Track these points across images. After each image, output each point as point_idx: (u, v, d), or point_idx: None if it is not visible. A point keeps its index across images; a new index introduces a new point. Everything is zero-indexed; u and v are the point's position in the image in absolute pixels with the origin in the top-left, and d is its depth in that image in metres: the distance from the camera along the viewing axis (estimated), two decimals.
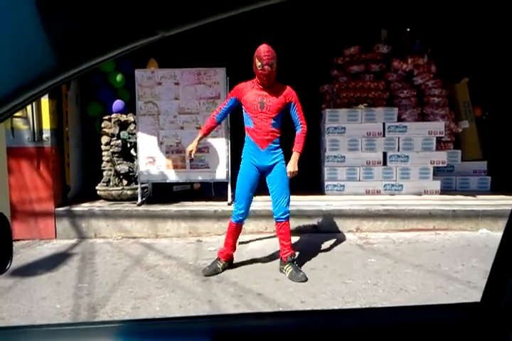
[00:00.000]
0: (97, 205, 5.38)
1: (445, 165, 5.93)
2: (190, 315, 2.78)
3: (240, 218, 3.85)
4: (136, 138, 5.46)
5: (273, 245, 4.61)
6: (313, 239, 4.75)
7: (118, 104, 5.84)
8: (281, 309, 3.13)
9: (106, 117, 5.65)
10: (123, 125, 5.63)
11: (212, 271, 3.85)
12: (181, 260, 4.29)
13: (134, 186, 5.52)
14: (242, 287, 3.56)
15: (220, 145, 5.34)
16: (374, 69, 6.24)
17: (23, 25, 0.55)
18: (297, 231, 4.87)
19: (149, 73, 5.39)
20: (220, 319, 1.07)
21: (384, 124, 5.83)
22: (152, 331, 0.92)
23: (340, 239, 4.79)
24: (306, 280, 3.65)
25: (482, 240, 4.68)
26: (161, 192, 5.65)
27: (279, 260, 3.91)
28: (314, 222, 5.07)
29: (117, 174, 5.54)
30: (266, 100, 3.68)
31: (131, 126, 5.64)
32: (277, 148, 3.80)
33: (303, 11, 6.72)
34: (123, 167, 5.53)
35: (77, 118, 5.97)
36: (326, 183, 5.89)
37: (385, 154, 5.86)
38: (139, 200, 5.38)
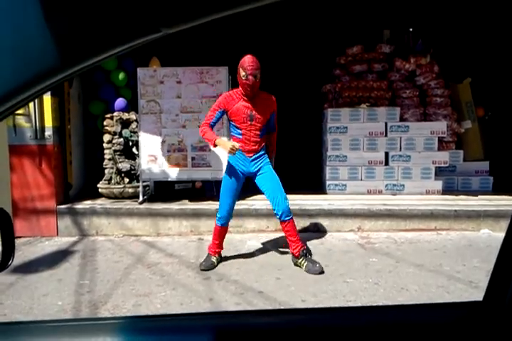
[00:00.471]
0: (99, 203, 5.39)
1: (447, 165, 5.91)
2: (192, 312, 2.79)
3: (225, 221, 4.02)
4: (138, 137, 5.46)
5: (274, 243, 4.62)
6: (314, 238, 4.75)
7: (120, 102, 5.84)
8: (282, 308, 3.13)
9: (108, 115, 5.66)
10: (125, 123, 5.64)
11: (209, 265, 3.95)
12: (183, 258, 4.29)
13: (136, 184, 5.52)
14: (243, 285, 3.57)
15: None
16: (376, 69, 6.23)
17: (25, 23, 0.56)
18: (299, 230, 4.86)
19: (151, 71, 5.39)
20: (221, 316, 1.08)
21: (386, 124, 5.82)
22: (153, 327, 0.93)
23: (342, 239, 4.79)
24: (323, 272, 3.77)
25: (484, 240, 4.67)
26: (163, 191, 5.66)
27: (291, 256, 4.00)
28: (316, 221, 5.07)
29: (119, 172, 5.54)
30: (254, 113, 3.78)
31: (133, 125, 5.65)
32: (263, 154, 3.94)
33: (306, 11, 6.72)
34: (125, 165, 5.54)
35: (80, 116, 5.98)
36: (328, 183, 5.88)
37: (387, 154, 5.85)
38: (141, 198, 5.38)
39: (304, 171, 6.95)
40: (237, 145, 3.64)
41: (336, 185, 5.88)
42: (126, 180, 5.57)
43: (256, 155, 3.88)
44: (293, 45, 7.49)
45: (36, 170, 5.14)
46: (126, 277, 3.82)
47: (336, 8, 6.68)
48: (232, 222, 5.11)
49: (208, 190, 5.86)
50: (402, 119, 5.89)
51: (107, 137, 5.62)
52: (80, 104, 5.99)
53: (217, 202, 5.37)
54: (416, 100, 6.06)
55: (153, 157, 5.38)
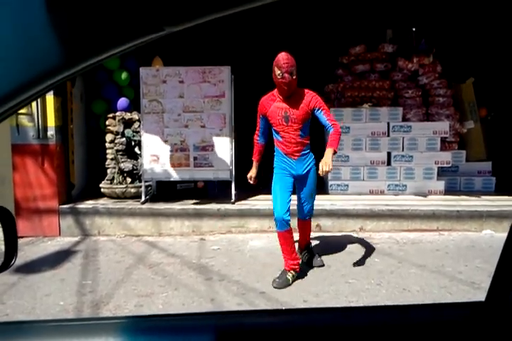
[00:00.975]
0: (101, 203, 5.39)
1: (449, 165, 5.90)
2: (194, 312, 2.80)
3: (284, 226, 3.58)
4: (140, 136, 5.46)
5: (276, 244, 4.61)
6: (316, 239, 4.74)
7: (123, 101, 5.85)
8: (283, 308, 3.13)
9: (110, 115, 5.66)
10: (127, 123, 5.64)
11: (282, 283, 3.56)
12: (184, 258, 4.29)
13: (138, 184, 5.53)
14: (244, 285, 3.57)
15: (225, 144, 5.34)
16: (379, 69, 6.22)
17: (29, 22, 0.56)
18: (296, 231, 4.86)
19: (154, 71, 5.39)
20: (222, 316, 1.08)
21: (388, 124, 5.81)
22: (155, 327, 0.93)
23: (344, 239, 4.79)
24: (323, 265, 3.94)
25: (486, 241, 4.66)
26: (165, 191, 5.66)
27: (296, 246, 3.90)
28: (318, 221, 5.06)
29: (121, 172, 5.55)
30: (289, 113, 3.50)
31: (136, 124, 5.65)
32: (308, 153, 3.68)
33: (308, 10, 6.72)
34: (127, 165, 5.54)
35: (82, 116, 5.98)
36: (330, 183, 5.87)
37: (389, 154, 5.84)
38: (143, 198, 5.38)
39: None
40: (253, 176, 3.77)
41: (338, 185, 5.87)
42: (129, 179, 5.57)
43: (301, 156, 3.60)
44: (296, 45, 7.47)
45: (39, 169, 5.14)
46: (128, 277, 3.82)
47: (339, 7, 6.67)
48: (234, 222, 5.14)
49: (210, 189, 5.86)
50: (404, 119, 5.88)
51: (109, 137, 5.62)
52: (83, 103, 5.99)
53: (220, 202, 5.40)
54: (418, 100, 6.05)
55: (155, 157, 5.38)
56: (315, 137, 4.07)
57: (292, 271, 3.62)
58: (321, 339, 0.92)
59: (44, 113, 5.09)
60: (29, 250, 4.68)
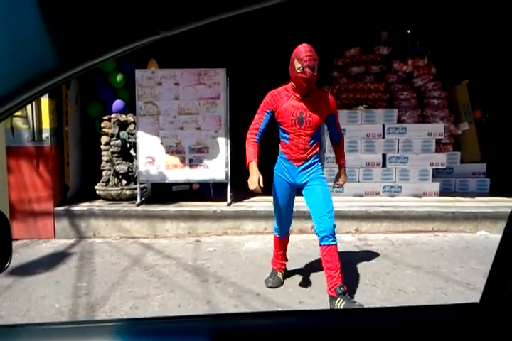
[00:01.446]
0: (96, 205, 5.38)
1: (444, 167, 5.93)
2: (189, 314, 2.79)
3: (283, 233, 3.56)
4: (135, 138, 5.45)
5: (272, 245, 4.61)
6: (312, 240, 4.74)
7: (118, 104, 5.84)
8: (280, 309, 3.13)
9: (106, 117, 5.65)
10: (123, 125, 5.63)
11: (276, 282, 3.57)
12: (180, 260, 4.29)
13: (133, 186, 5.52)
14: (240, 287, 3.56)
15: (220, 146, 5.34)
16: (374, 71, 6.24)
17: (24, 24, 0.56)
18: (296, 232, 4.87)
19: (149, 73, 5.39)
20: (219, 318, 1.08)
21: (384, 126, 5.83)
22: (151, 330, 0.92)
23: (339, 240, 4.77)
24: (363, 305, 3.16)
25: (481, 242, 4.68)
26: (160, 193, 5.66)
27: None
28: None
29: (116, 174, 5.54)
30: (305, 114, 3.11)
31: (131, 126, 5.64)
32: (315, 163, 3.27)
33: (304, 13, 6.73)
34: (122, 167, 5.53)
35: (77, 118, 5.97)
36: None
37: (384, 156, 5.85)
38: (138, 200, 5.38)
39: None
40: (258, 184, 3.01)
41: (334, 186, 5.86)
42: (124, 181, 5.56)
43: (305, 165, 3.22)
44: (291, 47, 7.49)
45: (34, 171, 5.13)
46: (124, 279, 3.81)
47: (334, 10, 6.69)
48: (229, 224, 5.14)
49: (205, 191, 5.86)
50: (399, 121, 5.90)
51: (104, 139, 5.61)
52: (78, 105, 5.98)
53: (215, 204, 5.39)
54: (413, 102, 6.08)
55: (150, 159, 5.38)
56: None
57: (282, 271, 3.70)
58: None
59: (39, 115, 5.07)
60: (24, 252, 4.66)
